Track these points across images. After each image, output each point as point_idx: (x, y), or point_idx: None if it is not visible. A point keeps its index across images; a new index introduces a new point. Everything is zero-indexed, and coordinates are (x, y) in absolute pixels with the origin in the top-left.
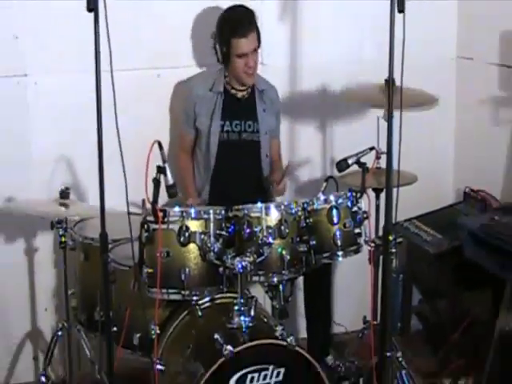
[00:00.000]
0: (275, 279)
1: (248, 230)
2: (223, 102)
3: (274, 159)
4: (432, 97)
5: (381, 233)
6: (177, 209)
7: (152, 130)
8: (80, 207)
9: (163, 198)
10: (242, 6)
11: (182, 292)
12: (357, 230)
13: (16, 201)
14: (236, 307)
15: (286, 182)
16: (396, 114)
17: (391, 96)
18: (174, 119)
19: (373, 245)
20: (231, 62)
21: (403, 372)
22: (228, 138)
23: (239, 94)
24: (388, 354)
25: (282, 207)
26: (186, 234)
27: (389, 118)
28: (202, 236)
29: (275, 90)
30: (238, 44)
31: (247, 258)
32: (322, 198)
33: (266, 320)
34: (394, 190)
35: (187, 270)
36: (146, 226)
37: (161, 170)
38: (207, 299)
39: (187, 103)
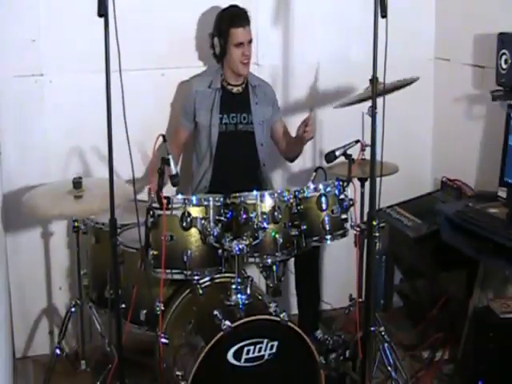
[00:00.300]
0: (269, 260)
1: (244, 216)
2: (221, 97)
3: (287, 140)
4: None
5: (365, 218)
6: (180, 196)
7: (157, 124)
8: (92, 198)
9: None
10: (236, 5)
11: (185, 272)
12: (343, 216)
13: (33, 194)
14: (233, 286)
15: (314, 126)
16: (379, 109)
17: (375, 94)
18: (174, 115)
19: (358, 229)
20: (229, 52)
21: (386, 345)
22: (226, 130)
23: (234, 89)
24: (372, 328)
25: (276, 195)
26: (188, 220)
27: (373, 114)
28: (203, 221)
29: (269, 85)
30: (236, 33)
31: (244, 241)
32: (312, 186)
33: (260, 298)
34: (378, 179)
35: (189, 252)
36: (151, 212)
37: (165, 161)
38: (207, 279)
39: (187, 100)
